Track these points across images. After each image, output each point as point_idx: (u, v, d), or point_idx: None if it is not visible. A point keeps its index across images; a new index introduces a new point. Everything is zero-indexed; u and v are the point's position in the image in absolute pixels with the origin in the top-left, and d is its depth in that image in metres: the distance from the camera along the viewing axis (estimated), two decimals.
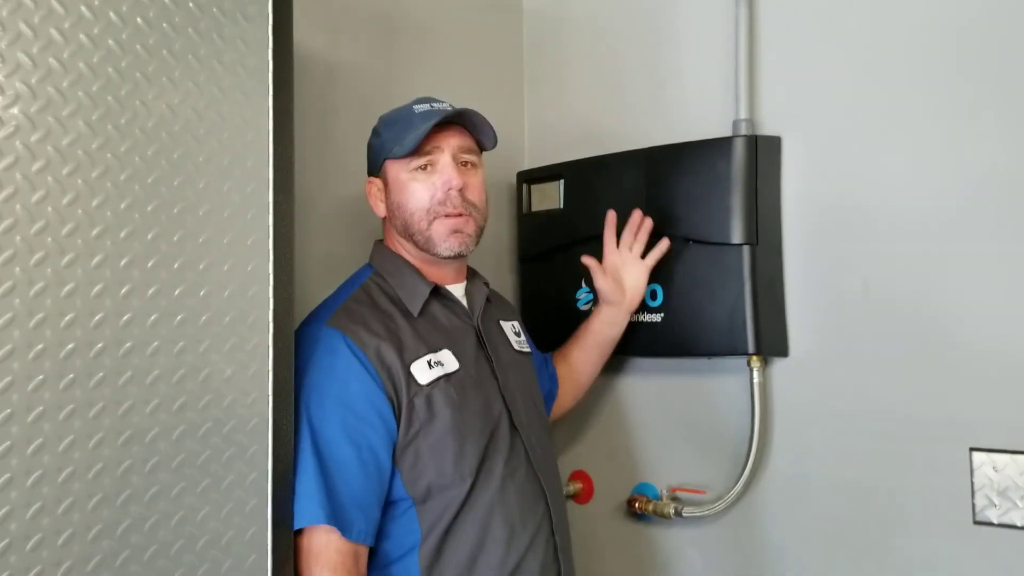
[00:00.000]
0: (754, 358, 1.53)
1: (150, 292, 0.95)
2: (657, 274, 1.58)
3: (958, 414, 1.36)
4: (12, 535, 0.84)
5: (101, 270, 0.91)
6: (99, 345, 0.91)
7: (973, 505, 1.34)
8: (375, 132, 1.37)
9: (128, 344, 0.93)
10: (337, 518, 1.13)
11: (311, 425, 1.15)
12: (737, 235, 1.50)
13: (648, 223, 1.56)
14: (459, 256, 1.33)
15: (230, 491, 1.02)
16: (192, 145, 1.00)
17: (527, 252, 1.85)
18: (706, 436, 1.66)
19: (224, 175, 1.03)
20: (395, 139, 1.30)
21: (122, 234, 0.93)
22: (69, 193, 0.89)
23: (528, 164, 1.98)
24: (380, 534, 1.20)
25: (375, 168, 1.37)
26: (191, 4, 1.00)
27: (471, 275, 1.42)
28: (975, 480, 1.34)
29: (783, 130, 1.57)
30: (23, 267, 0.85)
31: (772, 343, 1.52)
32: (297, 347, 1.14)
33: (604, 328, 1.58)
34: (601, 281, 1.53)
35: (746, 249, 1.50)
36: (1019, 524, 1.30)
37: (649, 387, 1.75)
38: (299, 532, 1.12)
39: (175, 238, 0.98)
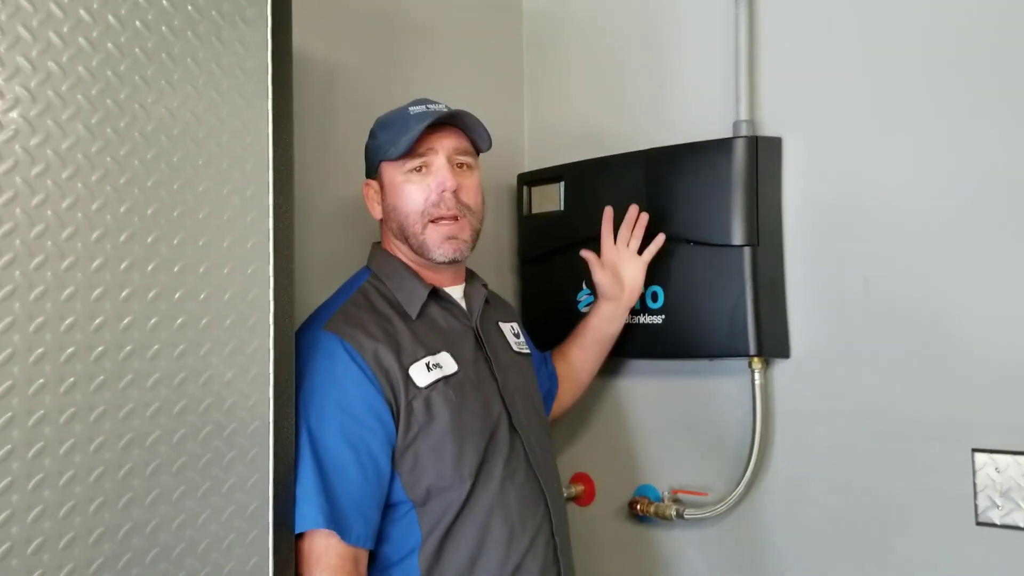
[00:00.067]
0: (755, 359, 1.53)
1: (150, 295, 0.95)
2: (658, 276, 1.58)
3: (960, 415, 1.36)
4: (14, 539, 0.84)
5: (101, 274, 0.91)
6: (99, 349, 0.91)
7: (975, 506, 1.34)
8: (371, 134, 1.37)
9: (128, 348, 0.93)
10: (336, 522, 1.12)
11: (310, 430, 1.15)
12: (738, 236, 1.50)
13: (644, 218, 1.56)
14: (454, 262, 1.32)
15: (231, 494, 1.02)
16: (191, 148, 1.00)
17: (528, 254, 1.85)
18: (707, 438, 1.66)
19: (224, 178, 1.03)
20: (390, 141, 1.30)
21: (122, 237, 0.93)
22: (69, 197, 0.89)
23: (528, 165, 1.98)
24: (380, 537, 1.20)
25: (372, 170, 1.37)
26: (189, 7, 1.00)
27: (470, 277, 1.42)
28: (977, 481, 1.34)
29: (784, 131, 1.57)
30: (23, 271, 0.86)
31: (773, 344, 1.52)
32: (295, 351, 1.14)
33: (603, 325, 1.58)
34: (599, 275, 1.54)
35: (747, 250, 1.50)
36: (1022, 525, 1.30)
37: (650, 389, 1.75)
38: (299, 536, 1.12)
39: (175, 241, 0.98)
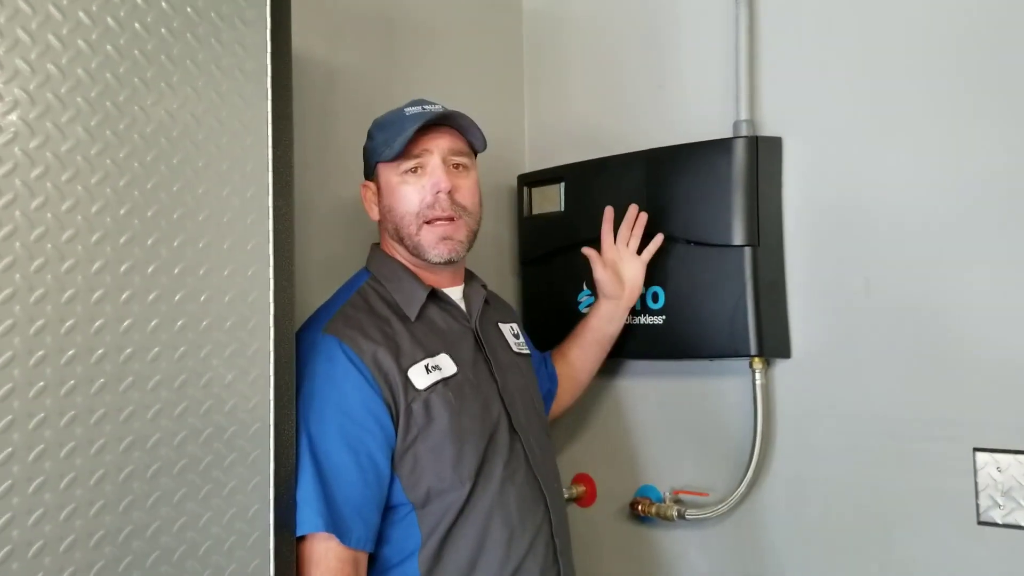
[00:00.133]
0: (756, 360, 1.53)
1: (150, 298, 0.95)
2: (658, 276, 1.58)
3: (961, 414, 1.36)
4: (14, 542, 0.84)
5: (101, 276, 0.91)
6: (100, 351, 0.91)
7: (977, 505, 1.34)
8: (369, 135, 1.37)
9: (129, 350, 0.93)
10: (336, 525, 1.12)
11: (309, 433, 1.15)
12: (738, 236, 1.50)
13: (643, 218, 1.56)
14: (450, 262, 1.32)
15: (232, 496, 1.01)
16: (191, 150, 1.00)
17: (528, 255, 1.85)
18: (709, 438, 1.66)
19: (223, 180, 1.03)
20: (386, 142, 1.30)
21: (122, 240, 0.93)
22: (68, 199, 0.89)
23: (528, 166, 1.98)
24: (380, 539, 1.20)
25: (369, 172, 1.37)
26: (189, 9, 1.00)
27: (469, 278, 1.42)
28: (979, 480, 1.33)
29: (784, 131, 1.57)
30: (23, 273, 0.85)
31: (774, 344, 1.52)
32: (295, 353, 1.13)
33: (603, 324, 1.58)
34: (600, 272, 1.54)
35: (747, 250, 1.50)
36: (1023, 524, 1.30)
37: (651, 390, 1.75)
38: (299, 539, 1.12)
39: (175, 243, 0.98)
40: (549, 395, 1.59)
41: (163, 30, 0.98)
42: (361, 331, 1.23)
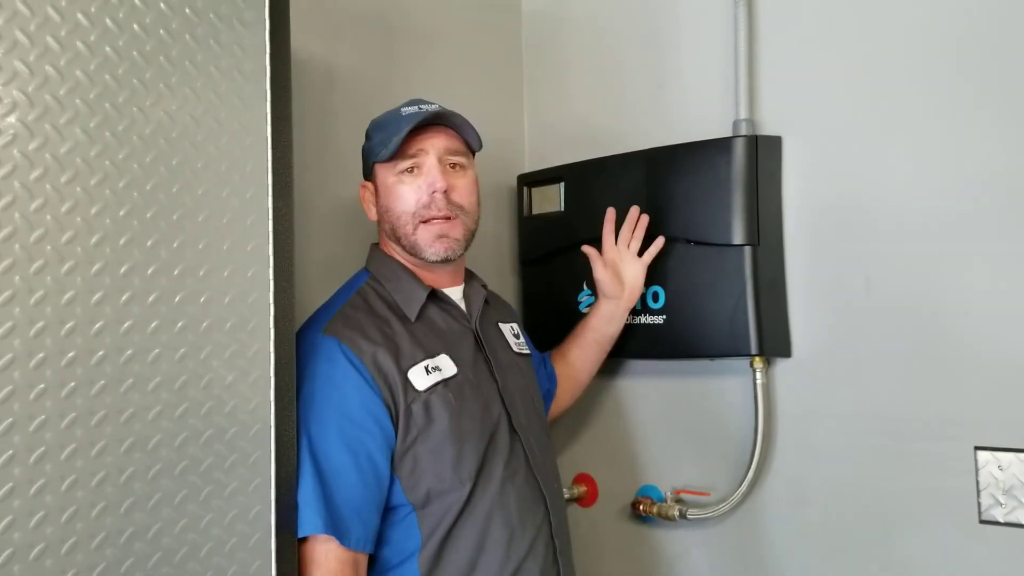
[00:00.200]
0: (757, 359, 1.53)
1: (150, 299, 0.95)
2: (659, 276, 1.58)
3: (962, 413, 1.36)
4: (16, 544, 0.84)
5: (101, 278, 0.91)
6: (100, 353, 0.91)
7: (978, 504, 1.34)
8: (367, 135, 1.37)
9: (129, 352, 0.93)
10: (335, 527, 1.12)
11: (309, 435, 1.15)
12: (738, 236, 1.50)
13: (644, 220, 1.56)
14: (447, 260, 1.32)
15: (233, 497, 1.01)
16: (190, 151, 1.00)
17: (528, 255, 1.85)
18: (710, 438, 1.65)
19: (223, 181, 1.03)
20: (382, 143, 1.30)
21: (121, 241, 0.93)
22: (68, 201, 0.89)
23: (528, 166, 1.98)
24: (380, 540, 1.20)
25: (367, 172, 1.37)
26: (187, 10, 1.00)
27: (469, 277, 1.42)
28: (980, 479, 1.33)
29: (784, 130, 1.57)
30: (23, 276, 0.85)
31: (775, 344, 1.52)
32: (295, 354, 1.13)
33: (602, 325, 1.58)
34: (600, 272, 1.53)
35: (747, 250, 1.50)
36: None
37: (652, 389, 1.75)
38: (300, 541, 1.12)
39: (175, 245, 0.98)
40: (548, 395, 1.58)
41: (162, 31, 0.98)
42: (361, 332, 1.22)
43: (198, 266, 1.00)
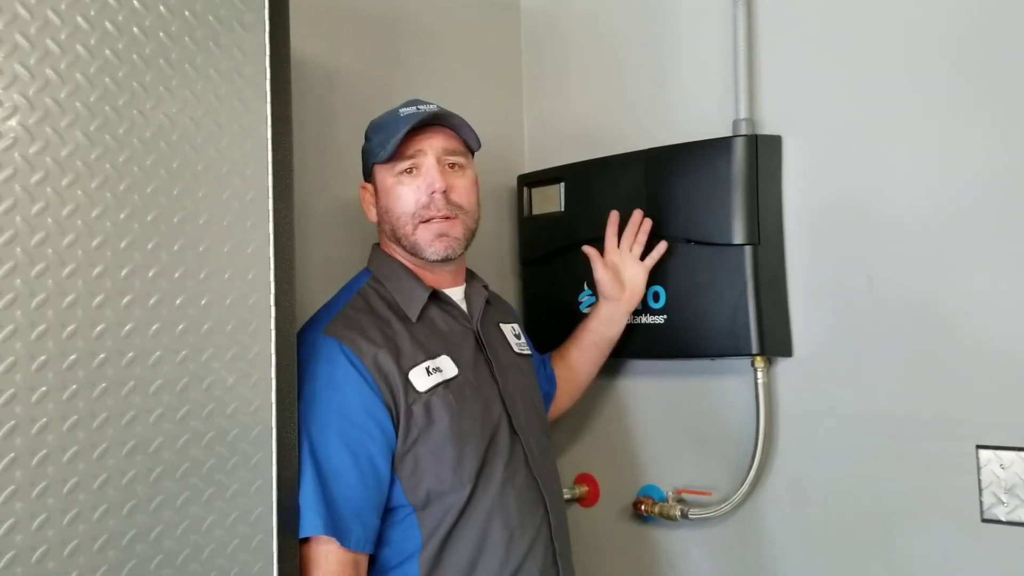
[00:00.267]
0: (758, 359, 1.53)
1: (151, 302, 0.95)
2: (659, 276, 1.58)
3: (964, 412, 1.36)
4: (18, 547, 0.84)
5: (102, 280, 0.91)
6: (101, 356, 0.91)
7: (981, 503, 1.34)
8: (366, 136, 1.37)
9: (130, 354, 0.93)
10: (335, 528, 1.13)
11: (310, 436, 1.15)
12: (739, 235, 1.50)
13: (647, 224, 1.56)
14: (447, 260, 1.32)
15: (235, 499, 1.02)
16: (190, 154, 1.00)
17: (528, 255, 1.85)
18: (711, 437, 1.65)
19: (223, 183, 1.03)
20: (381, 144, 1.30)
21: (122, 244, 0.93)
22: (69, 204, 0.89)
23: (528, 166, 1.98)
24: (380, 541, 1.20)
25: (367, 173, 1.37)
26: (187, 13, 1.00)
27: (470, 278, 1.42)
28: (982, 478, 1.33)
29: (784, 129, 1.57)
30: (24, 279, 0.86)
31: (776, 343, 1.52)
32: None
33: (601, 327, 1.57)
34: (601, 272, 1.53)
35: (748, 249, 1.50)
36: None
37: (653, 389, 1.75)
38: (300, 542, 1.12)
39: (175, 247, 0.98)
40: (547, 397, 1.58)
41: (161, 34, 0.98)
42: (361, 333, 1.23)
43: (199, 268, 1.00)
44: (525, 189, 1.85)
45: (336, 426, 1.17)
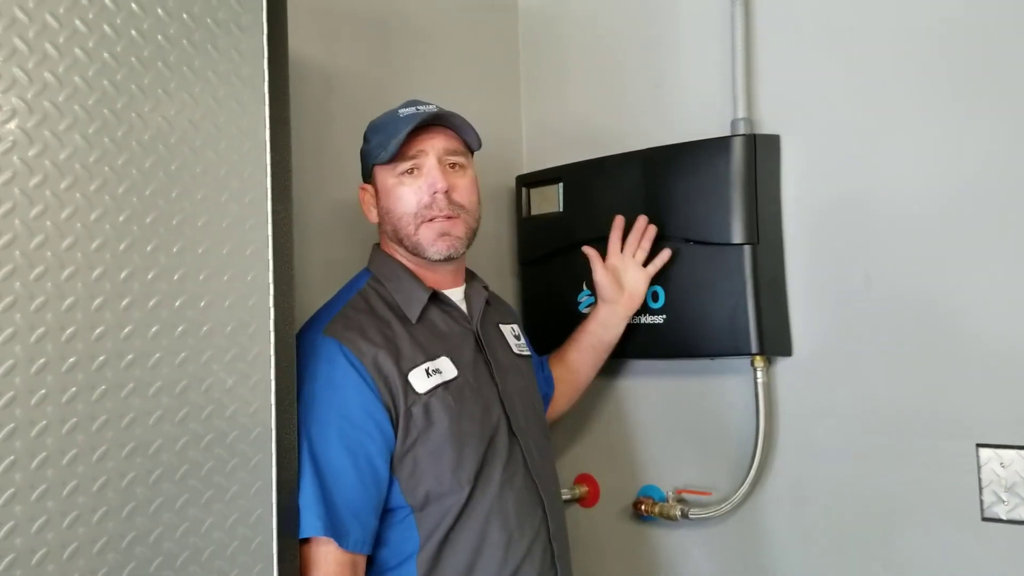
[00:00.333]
0: (757, 358, 1.53)
1: (151, 304, 0.96)
2: (658, 275, 1.57)
3: (964, 410, 1.36)
4: (18, 549, 0.84)
5: (101, 283, 0.91)
6: (101, 358, 0.91)
7: (981, 502, 1.34)
8: (365, 138, 1.37)
9: (130, 356, 0.93)
10: (334, 528, 1.13)
11: (309, 436, 1.15)
12: (738, 235, 1.50)
13: (652, 231, 1.56)
14: (449, 259, 1.32)
15: (234, 501, 1.02)
16: (189, 156, 1.00)
17: (527, 256, 1.85)
18: (711, 437, 1.65)
19: (222, 186, 1.03)
20: (381, 145, 1.30)
21: (121, 247, 0.93)
22: (68, 207, 0.89)
23: (527, 167, 1.98)
24: (378, 541, 1.20)
25: (366, 174, 1.37)
26: (185, 15, 1.00)
27: (470, 278, 1.42)
28: (982, 476, 1.33)
29: (782, 128, 1.57)
30: (23, 282, 0.86)
31: (775, 342, 1.52)
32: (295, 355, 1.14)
33: (599, 330, 1.57)
34: (600, 273, 1.53)
35: (747, 248, 1.50)
36: None
37: (653, 389, 1.75)
38: (300, 543, 1.12)
39: (174, 249, 0.98)
40: (545, 399, 1.58)
41: (159, 37, 0.98)
42: (361, 333, 1.23)
43: (198, 270, 1.00)
44: (524, 189, 1.85)
45: (335, 427, 1.17)
